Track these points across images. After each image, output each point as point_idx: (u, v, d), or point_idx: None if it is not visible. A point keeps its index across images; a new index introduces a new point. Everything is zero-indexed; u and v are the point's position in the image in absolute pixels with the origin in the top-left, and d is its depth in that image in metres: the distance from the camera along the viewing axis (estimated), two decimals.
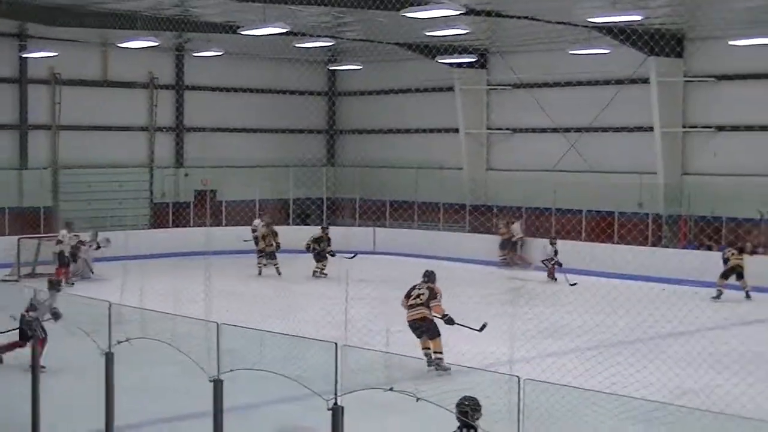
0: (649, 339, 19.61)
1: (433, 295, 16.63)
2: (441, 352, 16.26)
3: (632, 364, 16.24)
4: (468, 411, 8.55)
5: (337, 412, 8.52)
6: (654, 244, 29.77)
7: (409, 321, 16.72)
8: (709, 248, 28.65)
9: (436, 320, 16.50)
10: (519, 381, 7.71)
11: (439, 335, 16.45)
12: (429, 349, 16.33)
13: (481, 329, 17.14)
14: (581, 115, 33.77)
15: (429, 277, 17.10)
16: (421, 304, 16.55)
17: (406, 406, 8.58)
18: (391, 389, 8.48)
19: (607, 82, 32.94)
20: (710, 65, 30.81)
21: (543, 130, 35.08)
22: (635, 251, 28.72)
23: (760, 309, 23.41)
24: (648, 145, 31.45)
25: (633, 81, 31.96)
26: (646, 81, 31.11)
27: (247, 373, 9.67)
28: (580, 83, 33.43)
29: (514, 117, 36.07)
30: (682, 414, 12.34)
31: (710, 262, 26.75)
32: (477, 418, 8.55)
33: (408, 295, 16.86)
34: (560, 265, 27.51)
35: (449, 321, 16.43)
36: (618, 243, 29.96)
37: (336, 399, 8.57)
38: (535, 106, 34.96)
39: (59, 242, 27.01)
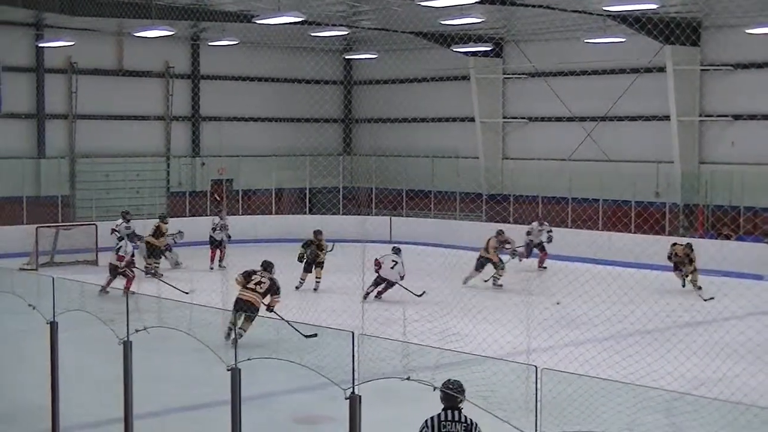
0: (667, 329, 19.57)
1: (275, 289, 17.42)
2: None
3: (650, 353, 16.22)
4: (452, 394, 8.54)
5: (354, 401, 8.53)
6: (671, 234, 29.65)
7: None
8: (727, 237, 28.54)
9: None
10: (536, 371, 7.70)
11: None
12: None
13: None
14: (597, 104, 33.70)
15: (267, 268, 17.79)
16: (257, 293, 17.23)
17: (424, 395, 8.58)
18: (408, 378, 8.48)
19: (622, 71, 32.84)
20: (727, 53, 30.66)
21: (559, 119, 35.02)
22: (652, 240, 28.63)
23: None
24: (664, 134, 31.37)
25: (649, 70, 31.86)
26: (662, 70, 31.00)
27: (264, 362, 9.69)
28: (595, 72, 33.32)
29: (529, 106, 36.01)
30: (700, 404, 12.33)
31: (727, 251, 26.66)
32: (461, 401, 8.54)
33: (248, 277, 17.43)
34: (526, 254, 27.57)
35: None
36: (634, 232, 29.86)
37: (353, 388, 8.58)
38: (550, 95, 34.91)
39: (114, 231, 26.96)
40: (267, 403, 13.41)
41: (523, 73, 35.87)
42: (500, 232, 25.65)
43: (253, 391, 10.24)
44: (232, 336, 15.08)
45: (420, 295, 21.76)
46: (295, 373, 9.53)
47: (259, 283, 17.25)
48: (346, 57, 40.43)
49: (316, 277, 23.86)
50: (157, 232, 26.13)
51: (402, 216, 35.18)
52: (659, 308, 21.20)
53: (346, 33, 33.96)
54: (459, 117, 37.69)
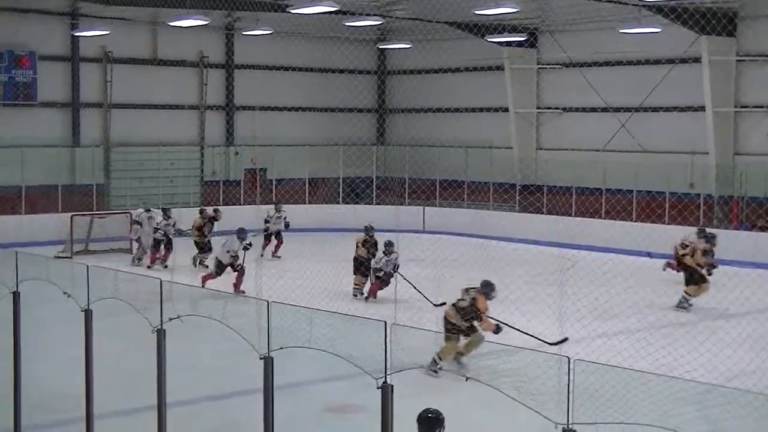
0: (700, 321, 19.49)
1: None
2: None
3: (683, 345, 16.17)
4: (434, 417, 8.50)
5: (386, 391, 8.54)
6: (705, 225, 29.45)
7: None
8: (762, 229, 28.34)
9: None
10: (569, 361, 7.68)
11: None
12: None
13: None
14: (631, 94, 33.52)
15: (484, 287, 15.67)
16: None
17: (455, 385, 8.59)
18: (440, 369, 8.49)
19: (657, 62, 32.64)
20: (763, 44, 30.43)
21: (593, 110, 34.86)
22: (686, 232, 28.44)
23: None
24: (699, 126, 31.17)
25: (684, 60, 31.66)
26: (697, 60, 30.80)
27: (297, 351, 9.72)
28: (630, 63, 33.11)
29: (563, 96, 35.88)
30: (733, 396, 12.28)
31: (763, 243, 26.50)
32: (439, 430, 8.51)
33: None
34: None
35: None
36: (669, 224, 29.69)
37: (386, 378, 8.59)
38: (584, 85, 34.75)
39: (156, 230, 26.58)
40: (299, 392, 13.48)
41: (557, 64, 35.73)
42: None
43: (285, 380, 10.29)
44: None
45: (438, 305, 20.62)
46: (327, 362, 9.55)
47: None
48: (380, 47, 40.43)
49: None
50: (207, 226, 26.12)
51: (435, 206, 35.16)
52: (693, 300, 21.06)
53: (380, 23, 33.94)
54: (493, 107, 37.61)
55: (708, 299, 21.01)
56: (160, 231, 26.44)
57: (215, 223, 26.30)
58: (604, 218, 30.94)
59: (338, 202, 35.65)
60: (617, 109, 34.07)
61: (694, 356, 15.37)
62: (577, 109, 35.50)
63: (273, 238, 27.89)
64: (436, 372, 13.75)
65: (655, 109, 33.06)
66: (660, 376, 10.24)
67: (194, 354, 14.57)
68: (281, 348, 9.51)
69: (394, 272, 20.88)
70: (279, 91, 38.74)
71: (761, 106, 30.63)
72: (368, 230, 22.32)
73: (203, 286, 20.37)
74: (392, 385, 8.55)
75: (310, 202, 35.38)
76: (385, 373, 8.59)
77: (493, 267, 24.50)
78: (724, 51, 30.67)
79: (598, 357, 14.25)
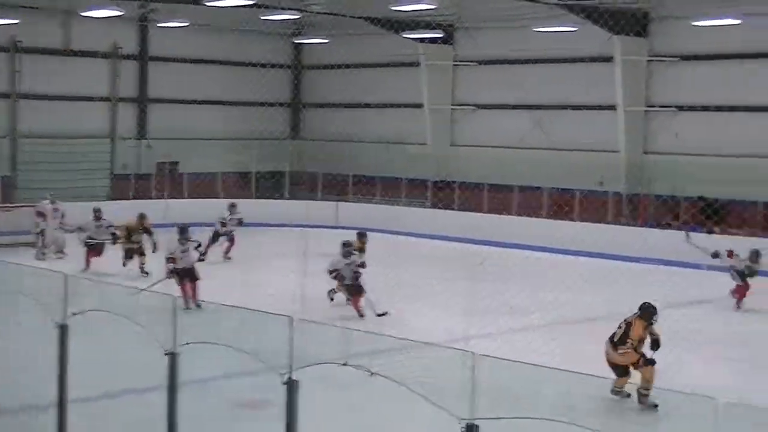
0: (609, 316, 19.67)
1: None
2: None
3: (590, 341, 16.31)
4: None
5: (291, 386, 8.52)
6: (614, 222, 29.92)
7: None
8: (669, 226, 28.84)
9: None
10: (473, 356, 7.73)
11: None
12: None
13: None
14: (546, 92, 33.83)
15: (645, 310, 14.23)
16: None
17: (361, 381, 8.58)
18: (345, 364, 8.48)
19: (572, 60, 32.97)
20: (673, 45, 30.91)
21: (507, 107, 35.12)
22: (595, 228, 28.89)
23: (706, 288, 23.46)
24: (611, 124, 31.57)
25: (597, 60, 32.00)
26: (610, 60, 31.18)
27: (203, 346, 9.64)
28: (545, 61, 33.44)
29: (479, 93, 36.08)
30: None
31: (669, 240, 26.98)
32: None
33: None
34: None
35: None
36: (578, 220, 30.09)
37: (291, 373, 8.56)
38: (500, 82, 34.99)
39: (80, 229, 25.22)
40: (204, 388, 13.32)
41: (473, 61, 35.91)
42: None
43: (190, 376, 10.19)
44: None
45: (381, 315, 19.18)
46: (233, 357, 9.49)
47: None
48: (296, 41, 40.26)
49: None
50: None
51: (348, 201, 35.14)
52: (605, 296, 21.33)
53: (296, 17, 33.83)
54: (408, 103, 37.65)
55: (617, 296, 21.26)
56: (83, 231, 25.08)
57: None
58: (515, 214, 31.26)
59: (251, 197, 35.38)
60: (531, 107, 34.36)
61: (601, 351, 15.52)
62: (491, 106, 35.72)
63: (223, 239, 26.65)
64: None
65: (567, 107, 33.41)
66: (564, 371, 10.34)
67: (98, 350, 14.33)
68: (187, 344, 9.43)
69: (356, 276, 19.14)
70: (193, 84, 38.32)
71: (670, 106, 31.12)
72: (361, 236, 21.58)
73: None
74: (297, 381, 8.52)
75: (222, 197, 34.99)
76: (290, 368, 8.55)
77: (405, 263, 24.56)
78: (635, 51, 31.11)
79: (505, 353, 14.31)
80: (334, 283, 20.00)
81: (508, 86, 34.69)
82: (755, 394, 12.91)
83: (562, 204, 30.86)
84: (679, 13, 29.76)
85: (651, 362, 13.48)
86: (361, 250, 21.11)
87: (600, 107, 32.22)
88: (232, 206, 27.10)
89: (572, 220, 30.17)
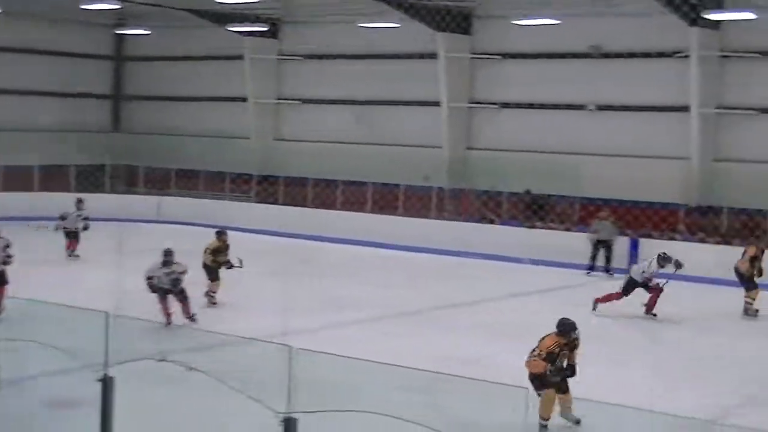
0: (431, 310, 19.92)
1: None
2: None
3: (412, 335, 16.48)
4: None
5: (106, 384, 8.30)
6: (438, 217, 30.33)
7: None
8: (491, 221, 29.39)
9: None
10: (290, 350, 7.66)
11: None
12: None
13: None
14: (371, 88, 33.96)
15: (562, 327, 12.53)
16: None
17: (180, 376, 8.44)
18: (163, 360, 8.33)
19: (397, 57, 33.22)
20: (496, 43, 31.47)
21: (333, 102, 35.14)
22: (419, 223, 29.25)
23: (540, 280, 24.05)
24: (435, 120, 31.96)
25: (422, 56, 32.33)
26: (434, 57, 31.55)
27: (17, 344, 9.32)
28: (370, 56, 33.60)
29: (304, 88, 35.98)
30: (459, 382, 12.60)
31: (491, 234, 27.56)
32: None
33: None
34: None
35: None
36: (403, 215, 30.41)
37: (106, 370, 8.34)
38: (325, 77, 34.97)
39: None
40: (21, 388, 12.86)
41: (298, 55, 35.81)
42: None
43: (8, 375, 9.83)
44: None
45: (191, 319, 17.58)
46: (51, 355, 9.20)
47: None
48: (118, 32, 39.37)
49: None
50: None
51: (171, 195, 34.61)
52: (428, 291, 21.58)
53: (118, 7, 33.04)
54: (233, 97, 37.26)
55: (441, 290, 21.56)
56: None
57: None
58: (340, 209, 31.39)
59: (69, 191, 34.32)
60: (356, 102, 34.49)
61: (424, 344, 15.70)
62: (317, 101, 35.68)
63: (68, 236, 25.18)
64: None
65: (392, 103, 33.65)
66: (386, 365, 10.39)
67: None
68: None
69: (174, 288, 17.36)
70: (9, 73, 36.95)
71: (493, 103, 31.69)
72: (220, 234, 20.03)
73: None
74: (113, 377, 8.31)
75: (39, 190, 33.90)
76: (106, 365, 8.33)
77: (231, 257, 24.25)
78: (459, 48, 31.56)
79: (328, 347, 14.29)
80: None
81: (333, 81, 34.72)
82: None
83: (387, 199, 31.13)
84: (501, 12, 30.31)
85: (553, 385, 12.17)
86: (219, 249, 19.67)
87: (424, 103, 32.57)
88: (79, 202, 25.70)
89: (397, 215, 30.46)
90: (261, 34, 35.17)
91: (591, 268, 25.09)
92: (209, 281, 19.25)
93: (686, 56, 27.18)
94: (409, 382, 11.67)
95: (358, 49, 33.54)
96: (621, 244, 25.57)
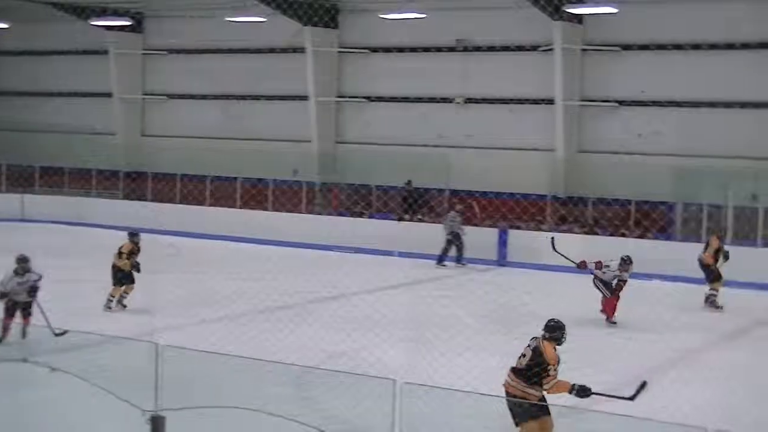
0: (304, 304, 19.91)
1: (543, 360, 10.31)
2: None
3: (281, 329, 16.43)
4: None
5: None
6: (308, 212, 30.34)
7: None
8: (361, 215, 29.52)
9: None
10: (157, 348, 7.59)
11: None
12: None
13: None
14: (239, 82, 33.77)
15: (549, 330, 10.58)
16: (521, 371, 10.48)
17: (43, 378, 8.27)
18: (25, 361, 8.16)
19: (264, 51, 33.09)
20: (364, 37, 31.61)
21: (200, 97, 34.83)
22: (289, 218, 29.22)
23: (408, 273, 24.23)
24: (304, 114, 31.94)
25: (290, 50, 32.26)
26: (302, 51, 31.50)
27: None
28: (238, 51, 33.41)
29: (171, 83, 35.57)
30: (329, 376, 12.65)
31: (360, 228, 27.70)
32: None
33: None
34: None
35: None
36: (272, 210, 30.34)
37: None
38: (192, 72, 34.64)
39: None
40: None
41: (163, 50, 35.36)
42: None
43: None
44: None
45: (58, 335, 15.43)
46: None
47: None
48: None
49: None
50: None
51: (35, 193, 33.85)
52: (298, 284, 21.55)
53: None
54: (97, 92, 36.60)
55: (312, 284, 21.56)
56: None
57: None
58: (209, 205, 31.17)
59: None
60: (224, 97, 34.25)
61: (294, 338, 15.68)
62: (183, 96, 35.31)
63: None
64: None
65: (261, 98, 33.51)
66: (257, 360, 10.36)
67: None
68: None
69: (32, 296, 15.76)
70: None
71: (362, 97, 31.81)
72: (133, 236, 18.96)
73: None
74: None
75: None
76: None
77: (93, 255, 23.80)
78: (327, 42, 31.60)
79: (197, 344, 14.19)
80: None
81: (200, 76, 34.41)
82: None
83: (256, 194, 31.01)
84: (368, 6, 30.46)
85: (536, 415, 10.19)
86: (133, 252, 18.72)
87: (293, 97, 32.52)
88: None
89: (266, 210, 30.38)
90: (125, 28, 34.62)
91: (441, 259, 25.41)
92: (115, 286, 18.43)
93: (551, 50, 27.75)
94: (279, 377, 11.67)
95: (225, 43, 33.30)
96: (490, 236, 26.00)
